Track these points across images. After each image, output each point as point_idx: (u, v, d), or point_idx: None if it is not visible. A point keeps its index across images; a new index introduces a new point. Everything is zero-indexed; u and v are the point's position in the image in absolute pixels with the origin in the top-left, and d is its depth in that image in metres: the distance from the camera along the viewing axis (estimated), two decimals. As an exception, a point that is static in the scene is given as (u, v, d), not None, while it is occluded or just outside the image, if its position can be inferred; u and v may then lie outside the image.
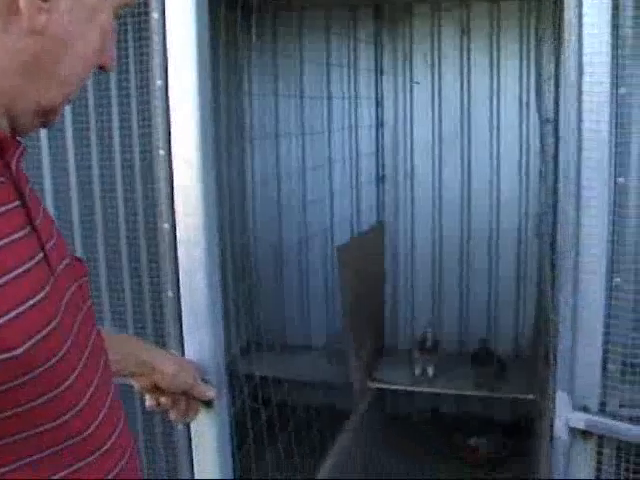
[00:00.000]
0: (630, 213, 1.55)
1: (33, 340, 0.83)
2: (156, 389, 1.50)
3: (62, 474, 0.90)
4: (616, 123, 1.53)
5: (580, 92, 1.52)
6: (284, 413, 2.91)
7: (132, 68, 2.04)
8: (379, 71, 4.34)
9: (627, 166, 1.55)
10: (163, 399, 1.52)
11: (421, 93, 4.34)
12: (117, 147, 2.11)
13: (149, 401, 1.53)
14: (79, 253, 2.22)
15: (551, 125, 3.86)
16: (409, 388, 4.11)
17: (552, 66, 3.77)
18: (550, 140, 3.89)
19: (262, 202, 4.56)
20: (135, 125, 2.05)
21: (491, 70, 4.21)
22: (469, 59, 4.23)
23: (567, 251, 1.56)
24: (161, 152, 1.81)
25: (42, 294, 0.86)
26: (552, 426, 1.65)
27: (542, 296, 3.81)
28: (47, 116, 0.94)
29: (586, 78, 1.51)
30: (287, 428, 2.96)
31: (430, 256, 4.50)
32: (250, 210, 4.57)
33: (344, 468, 3.47)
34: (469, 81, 4.26)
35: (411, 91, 4.35)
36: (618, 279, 1.56)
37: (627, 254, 1.56)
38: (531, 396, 3.83)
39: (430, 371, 4.04)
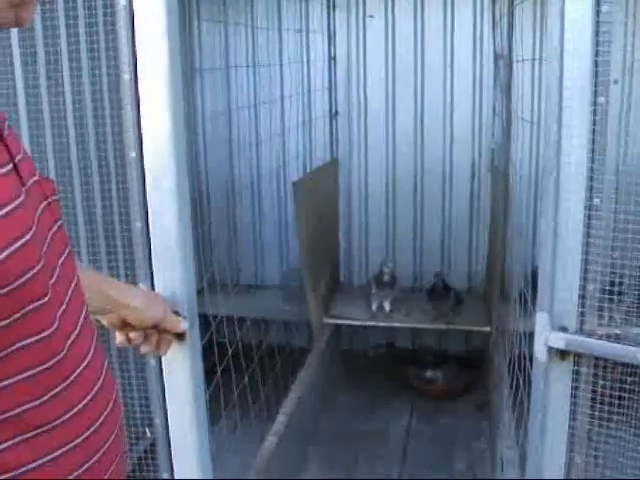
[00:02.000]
0: (609, 132, 1.55)
1: (11, 248, 0.81)
2: (125, 324, 1.45)
3: (38, 400, 0.89)
4: (597, 42, 1.51)
5: (562, 10, 1.50)
6: (246, 351, 2.89)
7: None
8: (332, 4, 4.25)
9: (606, 86, 1.54)
10: (133, 334, 1.47)
11: (375, 28, 4.27)
12: (86, 72, 2.04)
13: (119, 337, 1.49)
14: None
15: (504, 60, 3.86)
16: (367, 323, 4.14)
17: (507, 1, 3.76)
18: (503, 75, 3.90)
19: (213, 139, 4.47)
20: (103, 53, 1.98)
21: (445, 4, 4.16)
22: (423, -8, 4.18)
23: (548, 172, 1.56)
24: (125, 77, 1.75)
25: (17, 202, 0.84)
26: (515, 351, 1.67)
27: (495, 231, 3.85)
28: (20, 9, 0.88)
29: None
30: (250, 365, 2.95)
31: (384, 192, 4.49)
32: (201, 147, 4.48)
33: (305, 402, 3.49)
34: (423, 16, 4.21)
35: (364, 25, 4.28)
36: (597, 199, 1.56)
37: (606, 173, 1.56)
38: (487, 328, 3.90)
39: (387, 306, 4.07)
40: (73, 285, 0.99)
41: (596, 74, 1.52)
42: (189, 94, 4.33)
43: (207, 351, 2.32)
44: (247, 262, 4.65)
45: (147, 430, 2.10)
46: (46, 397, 0.89)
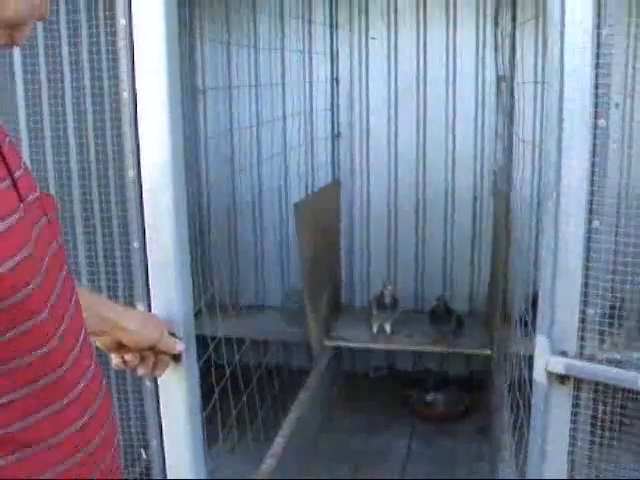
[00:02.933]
0: (610, 155, 1.54)
1: (9, 264, 0.81)
2: (121, 346, 1.45)
3: (34, 418, 0.88)
4: (597, 64, 1.51)
5: (562, 32, 1.49)
6: (244, 372, 2.87)
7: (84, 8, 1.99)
8: (335, 25, 4.26)
9: (607, 108, 1.53)
10: (129, 356, 1.47)
11: (377, 49, 4.27)
12: (87, 90, 2.05)
13: (115, 359, 1.48)
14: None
15: (507, 82, 3.87)
16: (367, 345, 4.12)
17: (509, 24, 3.77)
18: (505, 97, 3.91)
19: (215, 158, 4.47)
20: (105, 73, 1.99)
21: (447, 25, 4.17)
22: (425, 14, 4.18)
23: (548, 194, 1.55)
24: (125, 95, 1.74)
25: (15, 217, 0.84)
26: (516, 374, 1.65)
27: (497, 254, 3.84)
28: (14, 31, 0.89)
29: (568, 17, 1.48)
30: (248, 386, 2.93)
31: (386, 214, 4.48)
32: (203, 166, 4.48)
33: (304, 423, 3.46)
34: (425, 37, 4.21)
35: (367, 46, 4.29)
36: (597, 222, 1.55)
37: (606, 196, 1.55)
38: (487, 351, 3.88)
39: (387, 328, 4.05)
40: (73, 304, 0.99)
41: (596, 96, 1.52)
42: (192, 114, 4.34)
43: (205, 372, 2.32)
44: (248, 283, 4.63)
45: (143, 452, 2.08)
46: (41, 415, 0.88)
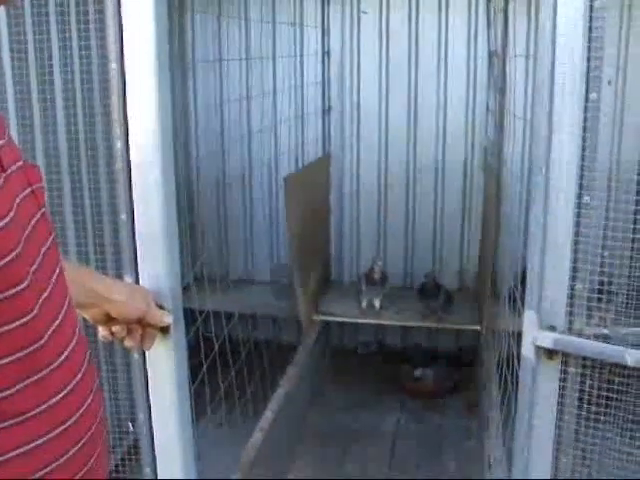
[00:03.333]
0: (600, 129, 1.53)
1: None
2: (109, 319, 1.44)
3: (15, 388, 0.87)
4: (589, 37, 1.49)
5: (555, 6, 1.48)
6: (233, 346, 2.87)
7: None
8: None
9: (599, 82, 1.52)
10: (116, 328, 1.46)
11: (368, 22, 4.24)
12: (76, 60, 2.03)
13: (102, 331, 1.47)
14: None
15: (499, 57, 3.84)
16: (356, 320, 4.13)
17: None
18: (497, 72, 3.88)
19: (205, 131, 4.44)
20: (94, 42, 1.97)
21: (440, 0, 4.14)
22: (418, -12, 4.15)
23: (538, 168, 1.54)
24: (113, 65, 1.72)
25: None
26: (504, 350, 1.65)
27: (487, 230, 3.83)
28: None
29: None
30: (237, 361, 2.93)
31: (376, 188, 4.47)
32: (193, 139, 4.45)
33: (293, 399, 3.46)
34: (417, 11, 4.18)
35: (358, 20, 4.25)
36: (587, 197, 1.54)
37: (596, 171, 1.54)
38: (477, 327, 3.89)
39: (377, 303, 4.05)
40: (56, 274, 0.98)
41: (588, 70, 1.50)
42: (181, 86, 4.30)
43: (194, 346, 2.31)
44: (237, 256, 4.62)
45: (130, 425, 2.08)
46: (23, 385, 0.87)
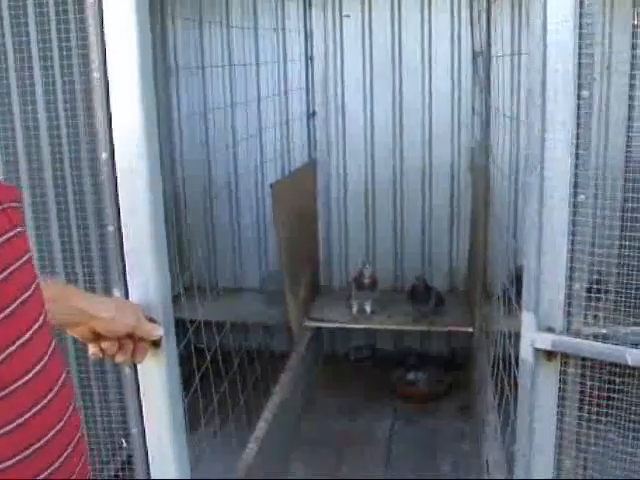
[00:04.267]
0: (594, 127, 1.51)
1: None
2: (98, 336, 1.40)
3: None
4: (580, 34, 1.47)
5: (544, 3, 1.46)
6: (225, 356, 2.84)
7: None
8: (308, 3, 4.20)
9: (590, 79, 1.50)
10: (106, 344, 1.42)
11: (351, 26, 4.22)
12: (57, 70, 1.99)
13: (92, 348, 1.44)
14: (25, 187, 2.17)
15: (482, 57, 3.83)
16: (347, 325, 4.10)
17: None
18: (482, 72, 3.87)
19: (190, 139, 4.41)
20: (75, 51, 1.93)
21: (422, 2, 4.12)
22: (399, -10, 4.14)
23: (532, 168, 1.52)
24: (95, 75, 1.68)
25: None
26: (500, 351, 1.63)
27: (476, 230, 3.82)
28: None
29: (550, -13, 1.45)
30: (229, 370, 2.90)
31: (363, 193, 4.45)
32: (177, 147, 4.41)
33: (287, 406, 3.44)
34: (400, 14, 4.17)
35: (341, 24, 4.23)
36: (582, 196, 1.53)
37: (591, 169, 1.52)
38: (469, 329, 3.87)
39: (367, 308, 4.03)
40: (28, 294, 0.93)
41: (579, 67, 1.49)
42: (165, 94, 4.27)
43: (185, 358, 2.28)
44: (225, 265, 4.58)
45: (123, 441, 2.04)
46: None
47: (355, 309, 4.04)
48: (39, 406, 0.91)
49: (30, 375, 0.90)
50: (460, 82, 4.20)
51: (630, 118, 3.12)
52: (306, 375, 3.99)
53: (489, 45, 3.64)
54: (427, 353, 4.45)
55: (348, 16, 4.23)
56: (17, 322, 0.90)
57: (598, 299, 1.67)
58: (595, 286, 1.67)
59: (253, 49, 4.25)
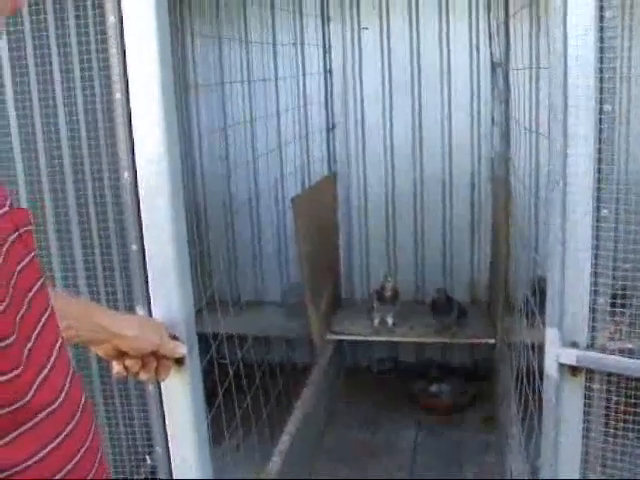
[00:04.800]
0: (616, 141, 1.51)
1: None
2: (121, 353, 1.41)
3: (5, 440, 0.83)
4: (601, 48, 1.47)
5: (564, 16, 1.46)
6: (247, 369, 2.85)
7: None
8: (326, 17, 4.21)
9: (612, 93, 1.50)
10: (129, 362, 1.43)
11: (369, 39, 4.23)
12: (79, 91, 2.02)
13: (116, 367, 1.45)
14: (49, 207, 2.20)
15: (502, 69, 3.83)
16: (369, 338, 4.09)
17: (502, 11, 3.73)
18: (501, 84, 3.87)
19: (210, 155, 4.43)
20: (96, 72, 1.95)
21: (440, 14, 4.13)
22: (417, 3, 4.14)
23: (554, 183, 1.51)
24: (117, 95, 1.70)
25: None
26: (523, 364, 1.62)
27: (497, 241, 3.81)
28: None
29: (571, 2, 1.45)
30: (252, 384, 2.90)
31: (384, 205, 4.45)
32: (198, 164, 4.44)
33: (310, 419, 3.43)
34: (418, 26, 4.17)
35: (359, 37, 4.24)
36: (605, 210, 1.52)
37: (613, 184, 1.51)
38: (491, 340, 3.85)
39: (389, 321, 4.02)
40: (45, 317, 0.94)
41: (601, 81, 1.48)
42: (185, 111, 4.30)
43: (208, 372, 2.29)
44: (247, 279, 4.60)
45: (147, 457, 2.05)
46: (12, 436, 0.84)
47: (377, 322, 4.03)
48: (62, 435, 0.91)
49: (55, 405, 0.91)
50: (479, 93, 4.19)
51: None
52: (328, 388, 3.99)
53: (508, 57, 3.64)
54: (449, 365, 4.43)
55: (366, 29, 4.24)
56: (41, 347, 0.91)
57: (622, 313, 1.66)
58: (619, 301, 1.66)
59: (272, 64, 4.27)
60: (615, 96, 1.49)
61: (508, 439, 2.87)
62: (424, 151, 4.33)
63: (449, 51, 4.17)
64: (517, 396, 2.70)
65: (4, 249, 0.85)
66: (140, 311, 1.85)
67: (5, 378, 0.82)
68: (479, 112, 4.21)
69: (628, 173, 3.39)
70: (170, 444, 1.77)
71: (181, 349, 1.56)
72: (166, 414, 1.77)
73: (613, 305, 1.64)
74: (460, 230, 4.39)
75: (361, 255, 4.56)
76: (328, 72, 4.30)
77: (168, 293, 1.68)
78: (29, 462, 0.86)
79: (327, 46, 4.27)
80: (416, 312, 4.17)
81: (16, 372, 0.83)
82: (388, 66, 4.26)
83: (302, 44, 4.27)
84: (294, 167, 4.32)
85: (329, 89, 4.33)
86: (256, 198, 4.45)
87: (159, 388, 1.79)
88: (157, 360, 1.49)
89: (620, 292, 1.70)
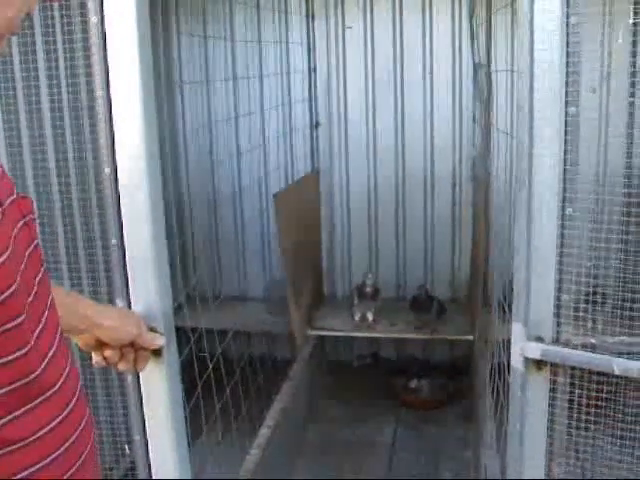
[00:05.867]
0: (581, 143, 1.56)
1: None
2: (100, 344, 1.45)
3: (8, 417, 0.89)
4: (567, 52, 1.52)
5: (532, 21, 1.50)
6: (227, 364, 2.88)
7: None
8: (310, 15, 4.25)
9: (577, 96, 1.55)
10: (108, 352, 1.47)
11: (353, 37, 4.28)
12: (64, 89, 2.05)
13: (95, 357, 1.49)
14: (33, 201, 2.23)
15: (483, 69, 3.87)
16: (349, 334, 4.14)
17: (484, 11, 3.77)
18: (483, 84, 3.91)
19: (194, 151, 4.46)
20: (82, 70, 1.99)
21: (423, 13, 4.18)
22: (401, 2, 4.19)
23: (521, 182, 1.56)
24: (99, 93, 1.74)
25: None
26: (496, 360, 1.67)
27: (477, 240, 3.86)
28: None
29: (537, 6, 1.50)
30: (231, 378, 2.94)
31: (366, 203, 4.49)
32: (182, 159, 4.47)
33: (289, 414, 3.48)
34: (401, 25, 4.22)
35: (343, 36, 4.29)
36: (570, 209, 1.57)
37: (579, 183, 1.56)
38: (470, 337, 3.90)
39: (370, 317, 4.07)
40: (49, 304, 0.99)
41: (567, 84, 1.53)
42: (170, 107, 4.32)
43: (189, 365, 2.32)
44: (230, 274, 4.63)
45: (127, 447, 2.09)
46: (20, 412, 0.89)
47: (357, 318, 4.08)
48: (60, 417, 0.96)
49: (57, 386, 0.95)
50: (461, 93, 4.24)
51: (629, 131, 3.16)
52: (309, 383, 4.03)
53: (489, 57, 3.68)
54: (430, 361, 4.49)
55: (350, 27, 4.28)
56: (48, 330, 0.96)
57: (594, 309, 1.71)
58: (589, 297, 1.71)
59: (257, 62, 4.31)
60: (580, 98, 1.54)
61: (482, 434, 2.93)
62: (406, 150, 4.38)
63: (432, 50, 4.22)
64: (491, 391, 2.76)
65: (14, 235, 0.90)
66: (120, 303, 1.90)
67: (13, 357, 0.87)
68: (461, 111, 4.27)
69: (598, 170, 3.48)
70: (148, 433, 1.81)
71: (159, 340, 1.60)
72: (144, 404, 1.81)
73: (593, 302, 1.70)
74: (441, 228, 4.45)
75: (343, 252, 4.60)
76: (312, 70, 4.34)
77: (146, 286, 1.71)
78: (32, 437, 0.91)
79: (311, 44, 4.31)
80: (397, 309, 4.22)
81: (24, 350, 0.88)
82: (372, 65, 4.30)
83: (287, 42, 4.30)
84: (278, 164, 4.36)
85: (313, 87, 4.37)
86: (240, 194, 4.48)
87: (138, 379, 1.83)
88: (135, 351, 1.53)
89: (595, 290, 1.75)
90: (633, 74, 2.99)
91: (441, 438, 3.79)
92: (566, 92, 1.53)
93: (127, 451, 2.10)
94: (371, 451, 3.69)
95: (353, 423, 3.94)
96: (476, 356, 3.82)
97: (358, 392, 4.27)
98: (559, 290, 1.60)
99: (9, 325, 0.86)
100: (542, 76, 1.52)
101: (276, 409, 3.36)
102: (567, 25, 1.51)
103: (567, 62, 1.52)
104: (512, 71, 3.45)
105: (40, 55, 2.19)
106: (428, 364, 4.42)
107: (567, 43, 1.52)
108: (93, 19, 1.68)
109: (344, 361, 4.67)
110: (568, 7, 1.50)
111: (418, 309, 4.01)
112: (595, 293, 1.68)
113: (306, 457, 3.63)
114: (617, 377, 1.59)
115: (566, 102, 1.54)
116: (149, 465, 1.85)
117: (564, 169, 1.55)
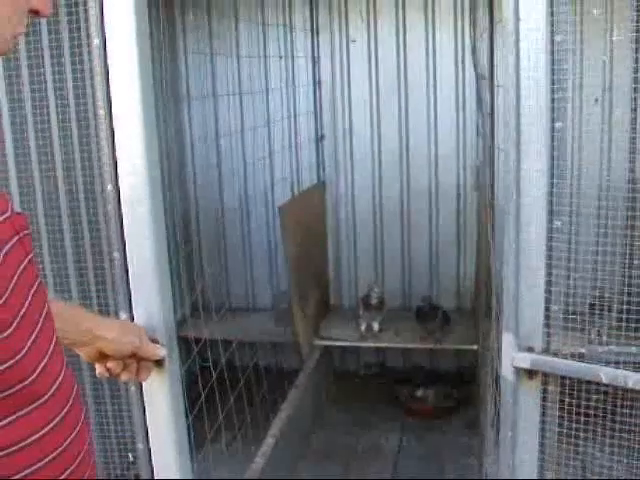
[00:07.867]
0: (568, 157, 1.60)
1: None
2: (103, 356, 1.49)
3: (2, 422, 0.92)
4: (552, 70, 1.56)
5: (517, 40, 1.55)
6: (233, 374, 2.92)
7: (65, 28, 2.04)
8: (315, 29, 4.31)
9: (563, 111, 1.59)
10: (111, 364, 1.51)
11: (357, 51, 4.33)
12: (72, 108, 2.12)
13: (98, 368, 1.52)
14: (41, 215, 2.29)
15: (486, 81, 3.91)
16: (355, 344, 4.18)
17: (486, 22, 3.80)
18: (486, 96, 3.95)
19: (201, 164, 4.53)
20: (89, 90, 2.05)
21: (426, 27, 4.22)
22: (405, 15, 4.24)
23: (510, 196, 1.60)
24: (101, 112, 1.80)
25: None
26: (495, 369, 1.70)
27: (481, 249, 3.88)
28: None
29: (522, 24, 1.54)
30: (236, 387, 2.98)
31: (371, 214, 4.53)
32: (190, 172, 4.53)
33: (295, 422, 3.51)
34: (405, 38, 4.27)
35: (347, 49, 4.34)
36: (558, 222, 1.61)
37: (567, 197, 1.60)
38: (474, 346, 3.93)
39: (375, 327, 4.10)
40: (43, 315, 1.02)
41: (552, 101, 1.57)
42: (177, 122, 4.39)
43: (197, 375, 2.36)
44: (238, 285, 4.68)
45: (130, 455, 2.14)
46: (14, 417, 0.93)
47: (363, 328, 4.11)
48: (54, 422, 1.00)
49: (50, 392, 1.00)
50: (465, 104, 4.28)
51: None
52: (315, 392, 4.07)
53: (492, 70, 3.71)
54: (435, 370, 4.52)
55: (354, 41, 4.33)
56: (42, 340, 1.00)
57: (601, 318, 1.74)
58: (575, 308, 1.74)
59: (263, 76, 4.37)
60: (566, 114, 1.58)
61: (485, 441, 2.95)
62: (411, 161, 4.42)
63: (435, 63, 4.26)
64: (492, 399, 2.78)
65: (4, 252, 0.94)
66: (123, 315, 1.94)
67: (5, 365, 0.91)
68: (465, 122, 4.30)
69: (602, 180, 3.50)
70: (151, 442, 1.85)
71: (160, 351, 1.64)
72: (147, 413, 1.85)
73: (592, 311, 1.73)
74: (446, 238, 4.48)
75: (349, 262, 4.64)
76: (317, 83, 4.39)
77: (149, 299, 1.76)
78: (18, 445, 0.95)
79: (316, 58, 4.36)
80: (402, 319, 4.26)
81: (17, 358, 0.92)
82: (376, 78, 4.35)
83: (292, 56, 4.36)
84: (283, 176, 4.41)
85: (318, 100, 4.42)
86: (246, 206, 4.54)
87: (140, 389, 1.87)
88: (137, 362, 1.57)
89: (593, 302, 1.78)
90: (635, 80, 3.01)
91: (446, 446, 3.81)
92: (552, 108, 1.57)
93: (131, 459, 2.14)
94: (376, 458, 3.72)
95: (359, 430, 3.97)
96: (480, 365, 3.84)
97: (364, 400, 4.30)
98: (548, 301, 1.64)
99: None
100: (528, 94, 1.56)
101: (281, 418, 3.40)
102: (552, 43, 1.55)
103: (553, 79, 1.56)
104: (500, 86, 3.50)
105: (49, 74, 2.24)
106: (434, 373, 4.45)
107: (552, 61, 1.56)
108: (95, 41, 1.73)
109: (350, 370, 4.71)
110: (552, 25, 1.54)
111: (422, 319, 4.05)
112: (582, 304, 1.72)
113: (311, 463, 3.66)
114: (607, 386, 1.62)
115: (552, 117, 1.58)
116: (152, 473, 1.89)
117: (551, 182, 1.59)
